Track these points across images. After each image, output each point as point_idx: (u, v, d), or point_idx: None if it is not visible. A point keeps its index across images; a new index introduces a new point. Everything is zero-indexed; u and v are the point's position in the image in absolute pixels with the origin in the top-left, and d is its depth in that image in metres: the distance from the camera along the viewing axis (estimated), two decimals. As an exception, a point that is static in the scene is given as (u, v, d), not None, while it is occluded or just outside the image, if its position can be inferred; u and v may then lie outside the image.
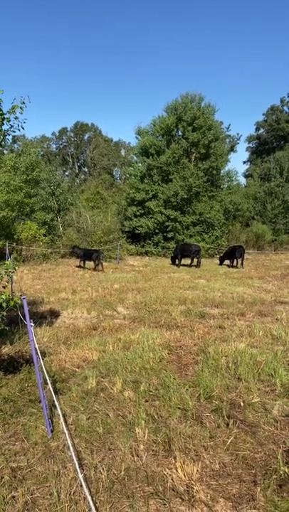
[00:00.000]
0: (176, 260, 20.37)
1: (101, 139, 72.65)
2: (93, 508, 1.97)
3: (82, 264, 18.22)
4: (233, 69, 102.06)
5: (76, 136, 74.06)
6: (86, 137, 74.41)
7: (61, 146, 75.47)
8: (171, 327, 7.36)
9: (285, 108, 62.93)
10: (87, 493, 2.17)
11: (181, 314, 8.29)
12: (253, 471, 3.08)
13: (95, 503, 2.54)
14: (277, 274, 15.47)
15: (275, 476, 2.97)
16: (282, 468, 3.05)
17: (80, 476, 2.30)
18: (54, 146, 75.89)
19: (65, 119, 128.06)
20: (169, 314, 8.26)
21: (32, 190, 22.67)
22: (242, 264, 19.26)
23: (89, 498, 2.05)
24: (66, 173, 68.80)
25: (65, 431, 3.05)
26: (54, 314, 8.42)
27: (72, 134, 74.30)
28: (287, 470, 3.04)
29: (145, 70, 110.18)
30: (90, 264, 18.45)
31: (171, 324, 7.56)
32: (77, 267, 18.51)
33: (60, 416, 3.12)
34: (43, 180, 25.14)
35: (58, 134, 74.82)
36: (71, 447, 2.77)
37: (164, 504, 2.73)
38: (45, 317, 8.09)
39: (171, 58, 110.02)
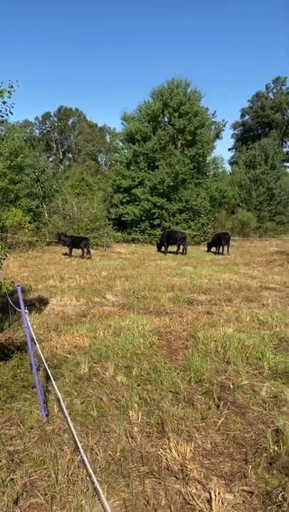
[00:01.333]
0: (163, 247, 20.46)
1: (85, 125, 71.43)
2: (97, 483, 2.03)
3: (69, 252, 18.12)
4: (219, 55, 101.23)
5: (60, 121, 72.59)
6: (70, 122, 73.00)
7: (45, 132, 73.94)
8: (160, 313, 7.44)
9: (270, 95, 62.96)
10: (91, 472, 2.23)
11: (170, 301, 8.38)
12: (244, 450, 3.21)
13: (92, 483, 2.62)
14: (262, 261, 15.72)
15: (265, 454, 3.10)
16: (271, 446, 3.18)
17: (83, 454, 2.36)
18: (37, 131, 74.29)
19: (48, 103, 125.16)
20: (158, 301, 8.34)
21: (16, 177, 22.26)
22: (228, 251, 19.48)
23: (93, 476, 2.11)
24: (50, 159, 67.64)
25: (65, 412, 3.10)
26: (43, 302, 8.41)
27: (55, 119, 72.80)
28: (276, 448, 3.17)
29: (129, 54, 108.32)
30: (76, 251, 18.36)
31: (160, 310, 7.65)
32: (64, 254, 18.40)
33: (61, 399, 3.16)
34: (28, 166, 24.68)
35: (41, 119, 73.22)
36: (72, 428, 2.83)
37: (160, 483, 2.82)
38: (33, 304, 8.08)
39: (156, 43, 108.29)
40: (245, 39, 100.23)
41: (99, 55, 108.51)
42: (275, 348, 5.38)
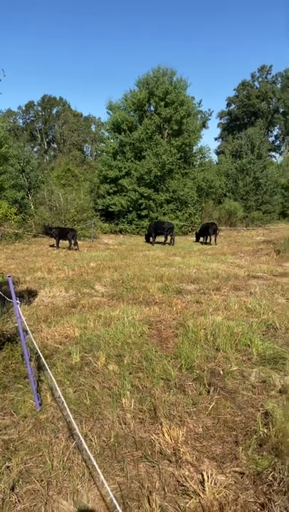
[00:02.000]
0: (151, 238, 20.49)
1: (70, 114, 70.42)
2: (96, 464, 2.08)
3: (56, 244, 18.01)
4: (205, 43, 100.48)
5: (44, 111, 71.41)
6: (54, 112, 71.88)
7: (28, 121, 72.71)
8: (150, 303, 7.50)
9: (256, 83, 62.99)
10: (90, 455, 2.28)
11: (159, 291, 8.44)
12: (235, 433, 3.30)
13: (88, 467, 2.67)
14: (249, 250, 15.89)
15: (255, 437, 3.19)
16: (261, 429, 3.28)
17: (82, 439, 2.40)
18: (21, 120, 73.04)
19: (32, 92, 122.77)
20: (147, 291, 8.39)
21: (1, 167, 21.92)
22: (215, 241, 19.62)
23: (93, 459, 2.16)
24: (35, 150, 66.68)
25: (62, 398, 3.14)
26: (31, 293, 8.37)
27: (39, 108, 71.56)
28: (266, 431, 3.27)
29: (115, 43, 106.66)
30: (64, 243, 18.26)
31: (150, 300, 7.70)
32: (51, 246, 18.28)
33: (56, 387, 3.19)
34: (12, 156, 24.30)
35: (24, 108, 71.89)
36: (68, 411, 2.87)
37: (153, 466, 2.89)
38: (22, 296, 8.04)
39: (141, 32, 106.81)
40: (231, 28, 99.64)
41: (83, 43, 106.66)
42: (263, 335, 5.50)
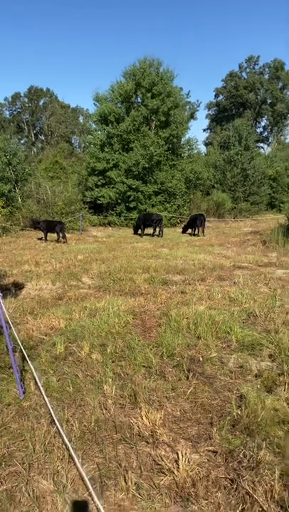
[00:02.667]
0: (139, 230, 20.58)
1: (57, 105, 69.58)
2: (71, 449, 2.20)
3: (44, 237, 17.99)
4: (192, 33, 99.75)
5: (31, 102, 70.40)
6: (41, 103, 70.93)
7: (15, 113, 71.65)
8: (136, 294, 7.63)
9: (244, 74, 62.94)
10: (66, 440, 2.40)
11: (145, 282, 8.57)
12: (210, 415, 3.45)
13: (68, 450, 2.80)
14: (236, 241, 16.09)
15: (228, 418, 3.35)
16: (235, 410, 3.44)
17: (58, 424, 2.52)
18: (7, 112, 71.93)
19: (18, 83, 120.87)
20: (133, 282, 8.51)
21: (-13, 161, 21.70)
22: (203, 232, 19.79)
23: (68, 444, 2.28)
24: (22, 142, 65.78)
25: (39, 384, 3.24)
26: (18, 286, 8.44)
27: (26, 100, 70.54)
28: (239, 412, 3.43)
29: (102, 34, 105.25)
30: (52, 236, 18.25)
31: (136, 292, 7.83)
32: (40, 239, 18.26)
33: (36, 377, 3.30)
34: (-2, 149, 24.06)
35: (10, 100, 70.78)
36: (46, 399, 2.98)
37: (131, 447, 3.03)
38: (9, 289, 8.10)
39: (128, 22, 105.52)
40: (219, 18, 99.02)
41: (70, 33, 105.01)
42: (244, 323, 5.66)
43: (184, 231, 21.31)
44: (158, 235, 20.12)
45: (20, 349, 4.22)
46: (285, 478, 2.62)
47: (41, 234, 18.37)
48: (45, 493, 2.57)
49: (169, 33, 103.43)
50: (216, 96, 66.45)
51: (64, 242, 17.25)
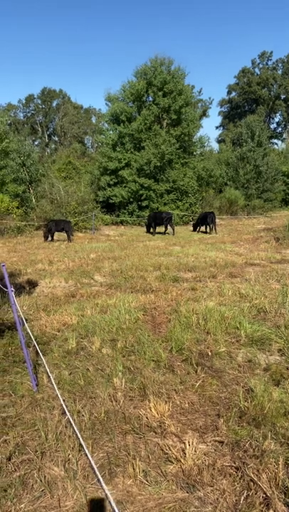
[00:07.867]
0: (151, 228, 20.67)
1: (70, 106, 70.16)
2: (81, 438, 2.30)
3: (51, 237, 18.13)
4: (205, 31, 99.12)
5: (44, 104, 71.18)
6: (54, 104, 71.64)
7: (29, 115, 72.58)
8: (146, 291, 7.71)
9: (257, 70, 62.30)
10: (76, 429, 2.50)
11: (156, 279, 8.65)
12: (218, 407, 3.52)
13: (78, 439, 2.90)
14: (249, 238, 16.03)
15: (236, 409, 3.41)
16: (242, 403, 3.50)
17: (68, 414, 2.62)
18: (21, 114, 72.94)
19: (32, 85, 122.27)
20: (144, 280, 8.60)
21: (1, 162, 22.10)
22: (214, 229, 19.74)
23: (78, 433, 2.38)
24: (36, 143, 66.71)
25: (51, 376, 3.36)
26: (32, 284, 8.62)
27: (39, 101, 71.33)
28: (246, 404, 3.48)
29: (114, 33, 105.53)
30: (64, 235, 18.45)
31: (146, 289, 7.91)
32: (49, 240, 18.49)
33: (48, 370, 3.41)
34: (13, 151, 24.47)
35: (24, 102, 71.69)
36: (56, 390, 3.08)
37: (140, 438, 3.12)
38: (23, 287, 8.29)
39: (141, 21, 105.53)
40: (231, 14, 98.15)
41: (82, 34, 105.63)
42: (253, 318, 5.69)
43: (194, 229, 21.31)
44: (170, 233, 20.17)
45: (34, 344, 4.36)
46: (290, 467, 2.67)
47: (54, 235, 18.48)
48: (57, 479, 2.68)
49: (181, 30, 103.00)
50: (229, 93, 65.96)
51: (69, 241, 17.42)
